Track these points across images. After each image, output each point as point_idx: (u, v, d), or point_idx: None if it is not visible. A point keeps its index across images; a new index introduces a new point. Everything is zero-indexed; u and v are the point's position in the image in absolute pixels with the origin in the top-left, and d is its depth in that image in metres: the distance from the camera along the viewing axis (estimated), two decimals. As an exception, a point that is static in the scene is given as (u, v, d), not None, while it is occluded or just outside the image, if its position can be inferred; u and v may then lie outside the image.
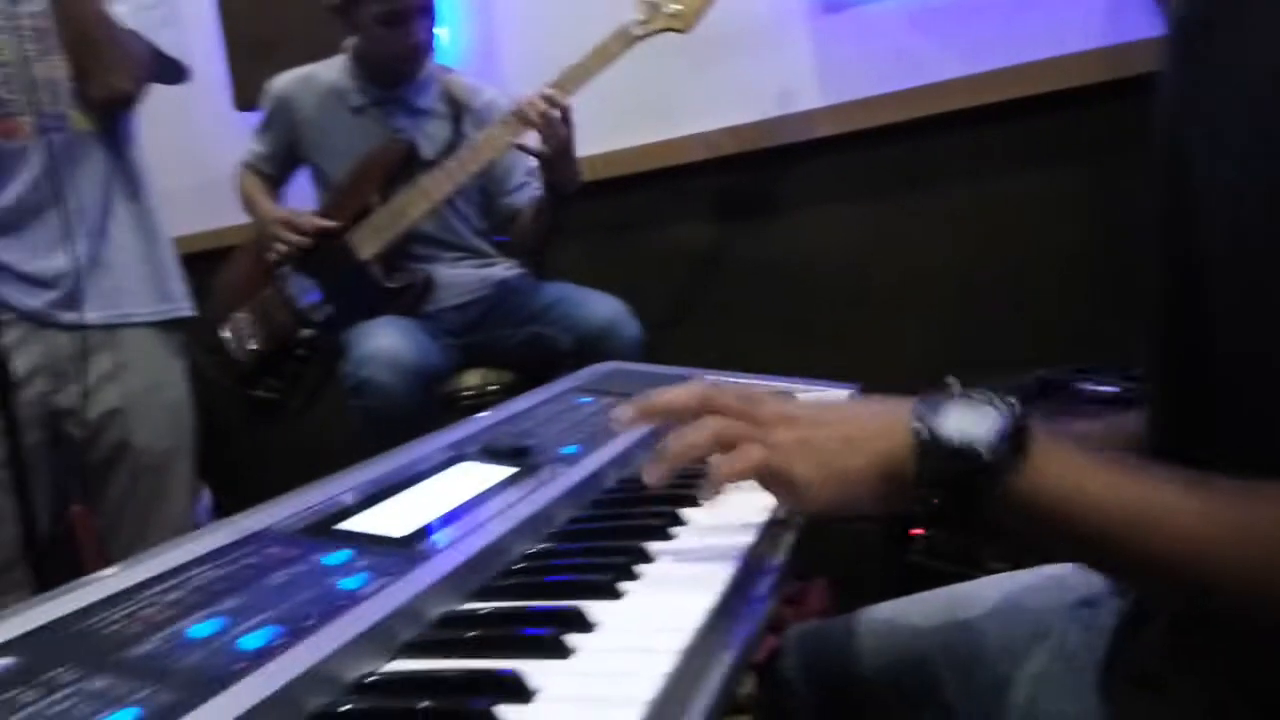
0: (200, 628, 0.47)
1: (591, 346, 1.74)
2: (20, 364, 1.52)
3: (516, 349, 1.89)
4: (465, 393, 1.92)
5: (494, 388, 1.93)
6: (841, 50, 2.08)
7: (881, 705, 0.83)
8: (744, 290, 2.22)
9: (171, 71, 1.71)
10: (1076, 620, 0.76)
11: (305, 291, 1.92)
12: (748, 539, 0.64)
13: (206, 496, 2.30)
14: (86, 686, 0.41)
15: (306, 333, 1.90)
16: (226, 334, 1.95)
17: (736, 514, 0.69)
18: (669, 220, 2.30)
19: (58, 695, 0.40)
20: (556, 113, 1.71)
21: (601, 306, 1.80)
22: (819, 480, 0.58)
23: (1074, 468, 0.54)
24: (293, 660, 0.45)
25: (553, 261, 2.16)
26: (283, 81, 2.01)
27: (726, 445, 0.61)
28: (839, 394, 1.09)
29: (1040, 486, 0.54)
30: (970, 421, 0.54)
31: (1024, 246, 1.97)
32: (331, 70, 1.98)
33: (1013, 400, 0.55)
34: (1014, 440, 0.54)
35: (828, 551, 1.68)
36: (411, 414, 1.66)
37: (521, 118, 1.73)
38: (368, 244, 1.86)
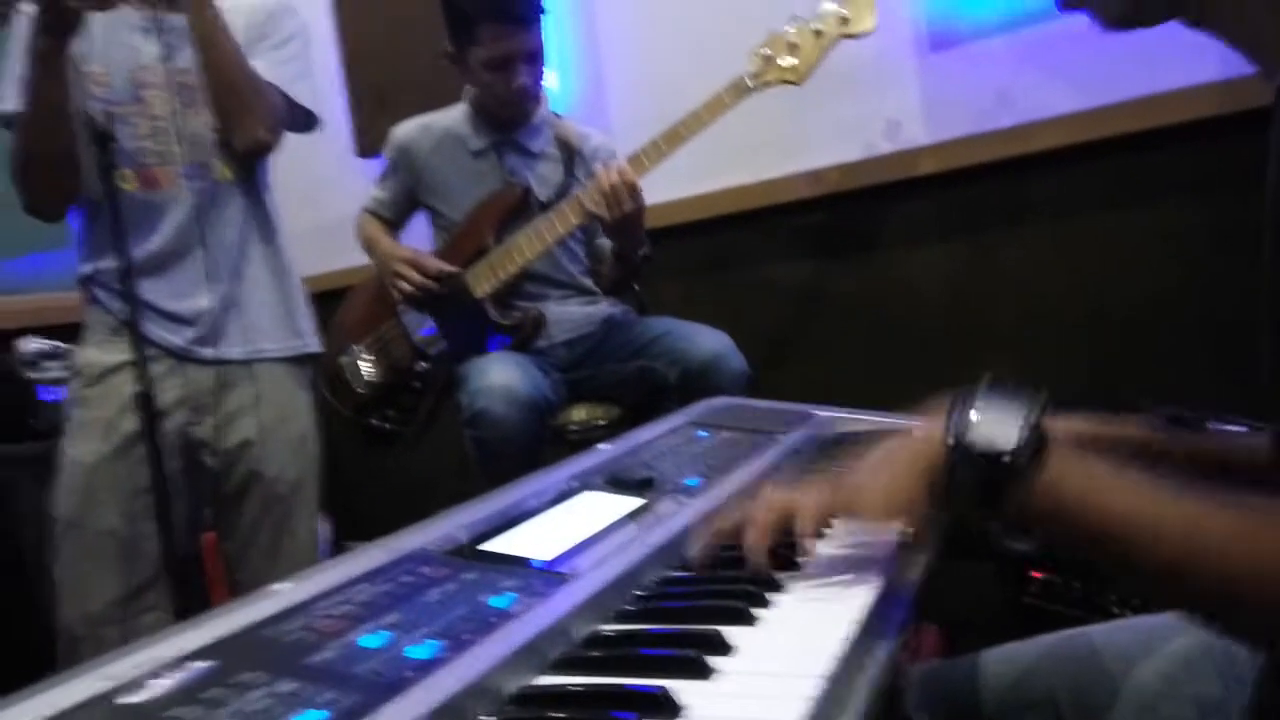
0: (369, 639, 0.51)
1: (697, 380, 1.75)
2: (163, 397, 1.62)
3: (622, 383, 1.92)
4: (572, 426, 1.96)
5: (601, 422, 1.96)
6: (948, 87, 2.07)
7: None
8: (846, 326, 2.22)
9: (304, 121, 1.81)
10: (1214, 667, 0.74)
11: (421, 326, 2.00)
12: (879, 568, 0.65)
13: (327, 527, 2.40)
14: (276, 689, 0.45)
15: (422, 366, 1.97)
16: (346, 367, 2.04)
17: (863, 547, 0.70)
18: (770, 258, 2.31)
19: (253, 696, 0.44)
20: (624, 189, 1.76)
21: (708, 340, 1.82)
22: (872, 490, 0.65)
23: (1089, 472, 0.59)
24: (457, 672, 0.48)
25: (655, 299, 2.20)
26: (404, 129, 2.10)
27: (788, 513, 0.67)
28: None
29: (1056, 487, 0.58)
30: (994, 427, 0.60)
31: (1130, 284, 1.92)
32: (450, 117, 2.07)
33: (1035, 405, 0.60)
34: (1033, 444, 0.59)
35: (941, 596, 1.64)
36: (524, 445, 1.70)
37: (598, 186, 1.79)
38: (483, 282, 1.93)
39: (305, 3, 2.64)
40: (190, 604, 1.73)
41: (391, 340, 2.01)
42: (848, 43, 1.78)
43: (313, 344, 1.83)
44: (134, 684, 0.45)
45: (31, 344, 2.49)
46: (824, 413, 1.19)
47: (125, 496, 1.61)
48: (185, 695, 0.44)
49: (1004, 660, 0.87)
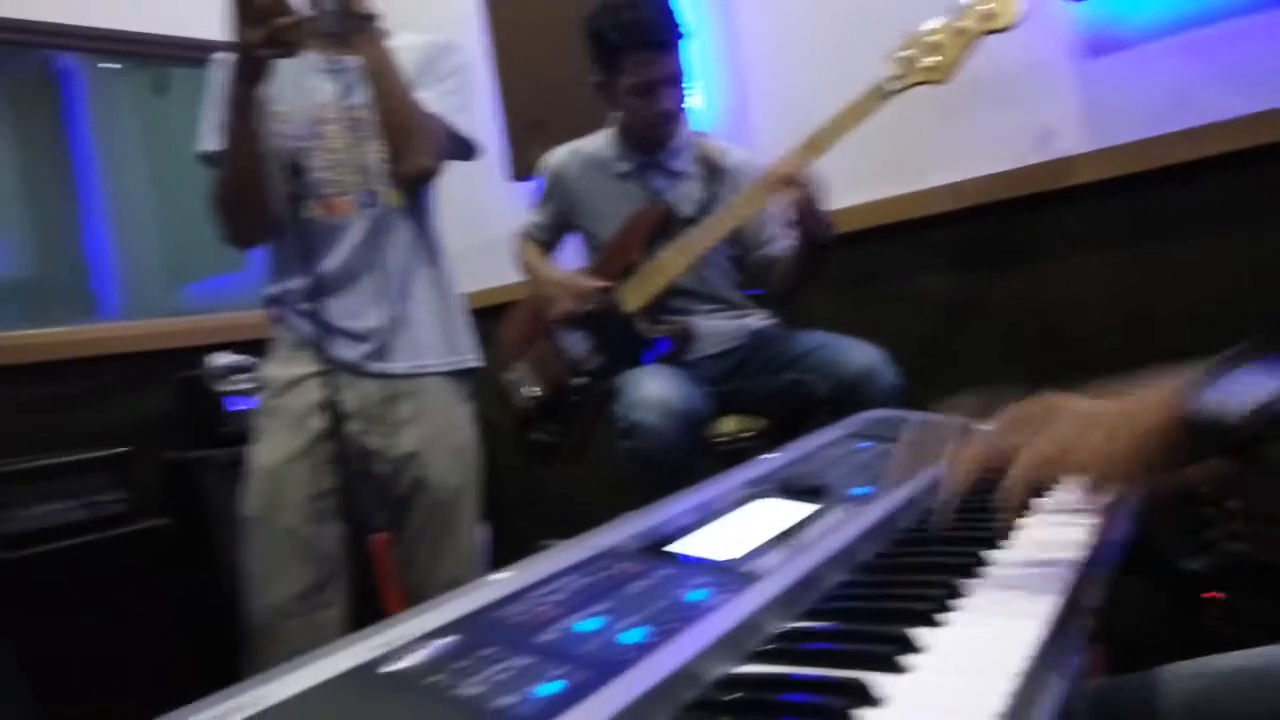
0: (585, 624, 0.56)
1: (849, 393, 1.76)
2: (339, 407, 1.75)
3: (772, 396, 1.94)
4: (721, 438, 2.00)
5: (749, 434, 1.99)
6: (1110, 92, 2.02)
7: None
8: (1001, 339, 2.17)
9: (465, 150, 1.92)
10: None
11: (576, 343, 2.08)
12: (1064, 574, 0.66)
13: (484, 532, 2.51)
14: (514, 663, 0.50)
15: (579, 381, 2.05)
16: (508, 382, 2.14)
17: (1044, 552, 0.71)
18: (920, 270, 2.30)
19: (496, 668, 0.50)
20: (803, 176, 1.77)
21: (860, 354, 1.82)
22: (1088, 451, 0.65)
23: None
24: (668, 656, 0.53)
25: (803, 312, 2.21)
26: (556, 156, 2.20)
27: (1000, 458, 0.68)
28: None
29: None
30: (1235, 392, 0.60)
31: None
32: (597, 142, 2.16)
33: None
34: (1271, 412, 0.59)
35: (1109, 616, 1.59)
36: (678, 456, 1.75)
37: (771, 182, 1.80)
38: (633, 298, 1.99)
39: (463, 37, 2.83)
40: (364, 600, 1.87)
41: (549, 357, 2.10)
42: (997, 52, 1.75)
43: (472, 359, 1.94)
44: (392, 655, 0.51)
45: (220, 359, 2.72)
46: (984, 427, 1.18)
47: (306, 499, 1.75)
48: (437, 666, 0.50)
49: (1183, 677, 0.84)
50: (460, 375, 1.92)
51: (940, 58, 1.74)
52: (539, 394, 2.10)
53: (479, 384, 2.07)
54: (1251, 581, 1.35)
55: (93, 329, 3.03)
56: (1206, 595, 1.43)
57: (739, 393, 1.99)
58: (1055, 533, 0.78)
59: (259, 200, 1.77)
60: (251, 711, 0.44)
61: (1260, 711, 0.77)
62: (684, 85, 2.02)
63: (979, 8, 1.71)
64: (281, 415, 1.79)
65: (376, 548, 2.18)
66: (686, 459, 1.77)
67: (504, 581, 0.62)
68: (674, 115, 2.04)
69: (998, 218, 2.16)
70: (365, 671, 0.50)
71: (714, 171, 2.08)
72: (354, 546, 1.71)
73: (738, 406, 2.01)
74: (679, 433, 1.74)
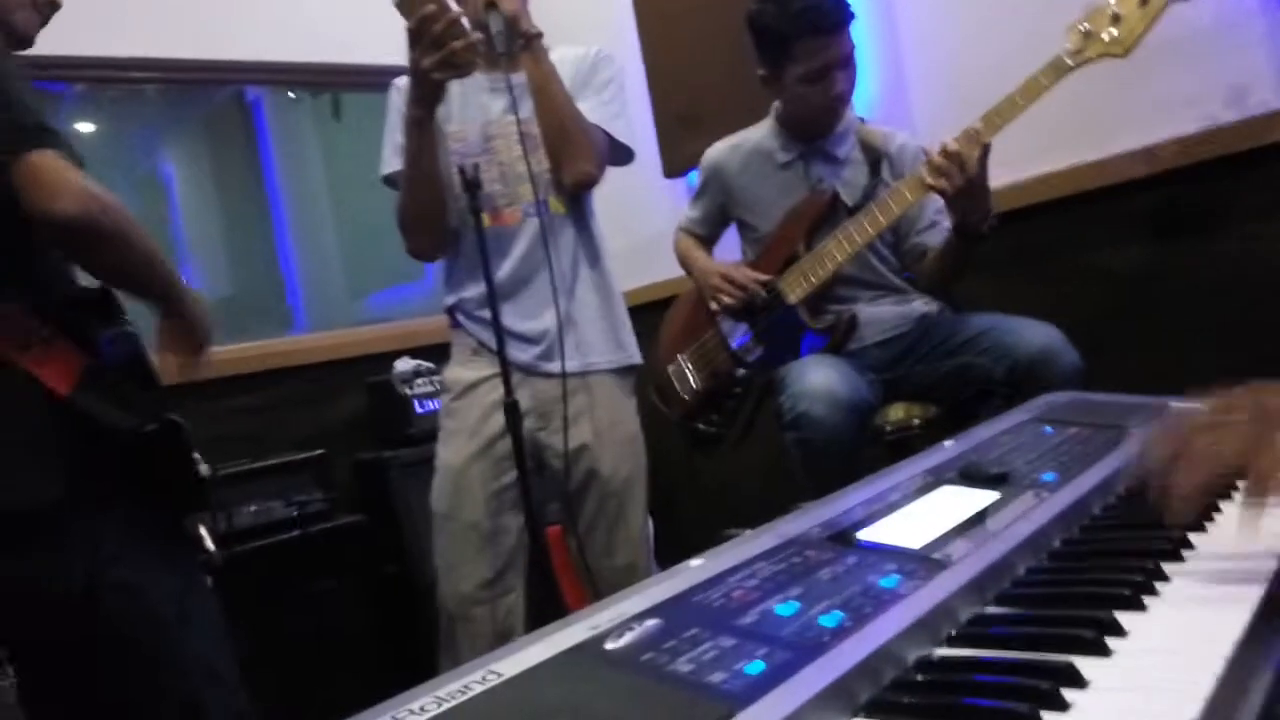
0: (783, 607, 0.59)
1: (1026, 375, 1.70)
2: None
3: (942, 381, 1.90)
4: (888, 426, 1.97)
5: (917, 421, 1.96)
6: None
7: None
8: (1193, 312, 2.04)
9: (622, 155, 1.98)
10: None
11: (738, 335, 2.10)
12: (1268, 565, 0.64)
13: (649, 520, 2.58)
14: (720, 643, 0.54)
15: (741, 372, 2.07)
16: (674, 375, 2.19)
17: (1246, 540, 0.69)
18: (1098, 244, 2.19)
19: (703, 647, 0.53)
20: (969, 159, 1.72)
21: (1036, 334, 1.76)
22: None
23: None
24: (866, 638, 0.55)
25: (968, 296, 2.15)
26: (715, 150, 2.22)
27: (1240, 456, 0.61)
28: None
29: None
30: None
31: None
32: (758, 133, 2.17)
33: None
34: None
35: None
36: (845, 447, 1.75)
37: (934, 165, 1.76)
38: (795, 289, 2.00)
39: (614, 38, 2.90)
40: (542, 588, 1.97)
41: (712, 349, 2.13)
42: (1181, 11, 1.65)
43: (635, 356, 2.01)
44: (611, 633, 0.55)
45: (405, 364, 2.90)
46: (1180, 404, 1.13)
47: (488, 493, 1.85)
48: (650, 644, 0.54)
49: None
50: (625, 371, 1.99)
51: (1120, 31, 1.66)
52: (703, 386, 2.14)
53: (646, 376, 2.13)
54: None
55: (286, 342, 3.30)
56: None
57: (906, 380, 1.96)
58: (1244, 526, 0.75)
59: (439, 215, 1.88)
60: (493, 683, 0.49)
61: None
62: (855, 67, 2.00)
63: None
64: (462, 416, 1.90)
65: (552, 539, 2.29)
66: (853, 449, 1.77)
67: (700, 568, 0.66)
68: (847, 99, 2.02)
69: (1189, 182, 2.02)
70: (590, 647, 0.54)
71: (877, 157, 2.05)
72: (531, 537, 1.80)
73: (906, 394, 1.98)
74: (845, 423, 1.74)
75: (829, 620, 0.57)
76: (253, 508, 2.40)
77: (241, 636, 2.25)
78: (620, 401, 1.97)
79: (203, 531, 1.60)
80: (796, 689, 0.49)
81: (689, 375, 2.16)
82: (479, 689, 0.48)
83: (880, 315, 2.02)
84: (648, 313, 2.37)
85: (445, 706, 0.46)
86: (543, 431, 1.91)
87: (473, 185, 1.77)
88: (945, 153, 1.73)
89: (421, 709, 0.46)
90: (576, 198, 1.95)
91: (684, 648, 0.53)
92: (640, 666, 0.51)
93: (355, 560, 2.56)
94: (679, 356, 2.19)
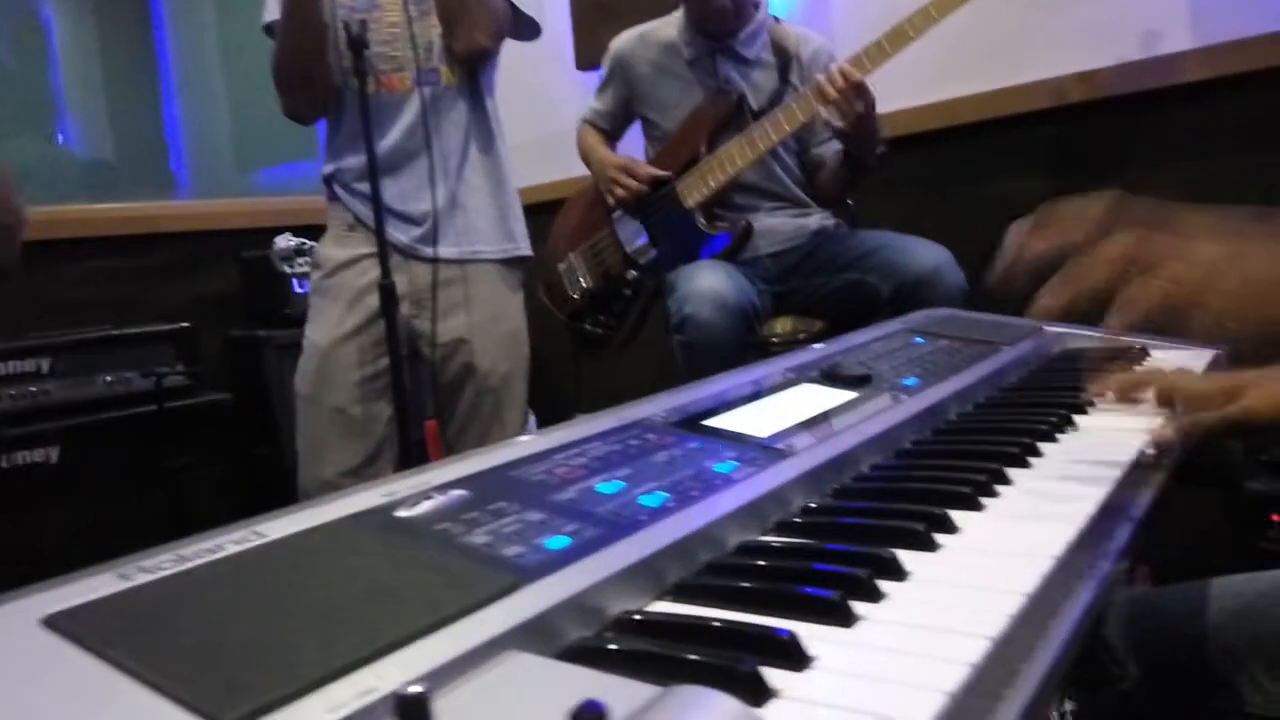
0: (606, 486, 0.55)
1: (912, 294, 1.70)
2: (394, 290, 1.75)
3: (831, 296, 1.89)
4: (775, 339, 1.96)
5: (803, 335, 1.95)
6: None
7: (1224, 683, 0.77)
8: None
9: (526, 29, 1.86)
10: None
11: (633, 236, 2.04)
12: (1113, 473, 0.62)
13: (531, 418, 2.54)
14: (525, 517, 0.49)
15: (633, 274, 2.02)
16: (564, 273, 2.12)
17: (1100, 452, 0.67)
18: (1005, 171, 2.18)
19: (505, 520, 0.49)
20: (850, 90, 1.69)
21: (926, 254, 1.75)
22: (1235, 313, 0.54)
23: None
24: (687, 519, 0.51)
25: (872, 216, 2.13)
26: (622, 40, 2.12)
27: (1115, 279, 0.57)
28: (1199, 357, 1.00)
29: None
30: None
31: None
32: (668, 27, 2.07)
33: None
34: None
35: (1163, 536, 1.54)
36: (729, 351, 1.72)
37: (820, 94, 1.72)
38: (693, 192, 1.94)
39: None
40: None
41: (605, 248, 2.07)
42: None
43: (524, 248, 1.92)
44: (406, 501, 0.50)
45: (286, 241, 2.75)
46: (1053, 328, 1.13)
47: (356, 378, 1.76)
48: (448, 514, 0.49)
49: (1227, 592, 0.80)
50: (512, 263, 1.90)
51: None
52: (592, 286, 2.08)
53: (536, 273, 2.05)
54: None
55: (158, 206, 3.08)
56: (1274, 518, 1.37)
57: (797, 293, 1.94)
58: (1113, 432, 0.74)
59: (317, 73, 1.74)
60: (252, 544, 0.43)
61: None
62: None
63: None
64: (333, 295, 1.80)
65: (429, 433, 2.22)
66: (737, 355, 1.74)
67: (528, 443, 0.61)
68: (736, 7, 1.94)
69: (1097, 117, 2.02)
70: (379, 514, 0.49)
71: (788, 61, 1.99)
72: (403, 429, 1.73)
73: (796, 307, 1.96)
74: (730, 328, 1.71)
75: (651, 500, 0.53)
76: (108, 378, 2.25)
77: (91, 507, 2.15)
78: (504, 295, 1.88)
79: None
80: (596, 565, 0.44)
81: (579, 274, 2.10)
82: (233, 549, 0.42)
83: (776, 226, 1.98)
84: (556, 210, 2.28)
85: (184, 566, 0.40)
86: (418, 319, 1.83)
87: (357, 43, 1.64)
88: (834, 91, 1.70)
89: (157, 566, 0.40)
90: (472, 71, 1.83)
91: (484, 520, 0.48)
92: (429, 536, 0.46)
93: (220, 439, 2.45)
94: (570, 254, 2.12)
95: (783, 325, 1.96)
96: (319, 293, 1.83)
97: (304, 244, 2.72)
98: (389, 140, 1.77)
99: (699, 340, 1.70)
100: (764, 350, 1.93)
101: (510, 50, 1.87)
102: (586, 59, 2.87)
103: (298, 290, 2.64)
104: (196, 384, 2.41)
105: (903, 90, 1.73)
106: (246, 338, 2.69)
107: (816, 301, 1.92)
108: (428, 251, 1.79)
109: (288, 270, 2.67)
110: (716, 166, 1.91)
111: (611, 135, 2.19)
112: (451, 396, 1.86)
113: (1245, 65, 1.80)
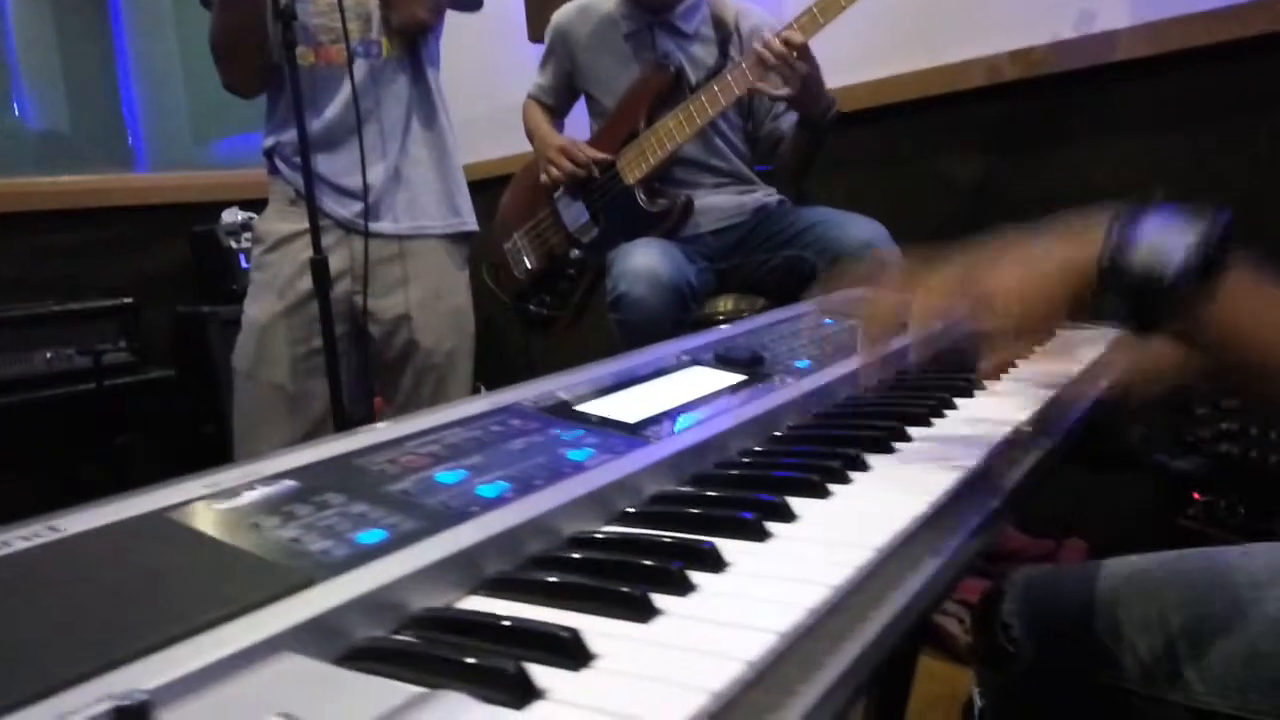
0: (446, 475, 0.54)
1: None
2: (332, 265, 1.71)
3: (771, 273, 1.88)
4: (718, 316, 1.95)
5: (746, 312, 1.94)
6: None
7: (1108, 657, 0.78)
8: (1017, 226, 2.07)
9: (470, 1, 1.83)
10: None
11: (575, 214, 2.02)
12: (973, 459, 0.62)
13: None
14: (349, 510, 0.48)
15: (576, 253, 2.00)
16: (509, 253, 2.10)
17: (972, 428, 0.67)
18: (942, 149, 2.18)
19: (326, 513, 0.48)
20: (794, 54, 1.67)
21: (860, 229, 1.74)
22: (1008, 292, 0.60)
23: (1262, 297, 0.56)
24: (520, 510, 0.50)
25: (814, 192, 2.12)
26: (563, 13, 2.09)
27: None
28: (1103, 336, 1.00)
29: (1230, 317, 0.55)
30: (1162, 242, 0.56)
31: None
32: (607, 0, 2.04)
33: (1211, 227, 0.56)
34: (1202, 265, 0.55)
35: (1090, 511, 1.57)
36: (666, 329, 1.71)
37: (759, 62, 1.70)
38: (634, 169, 1.92)
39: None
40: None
41: (548, 228, 2.05)
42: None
43: (470, 223, 1.89)
44: (229, 491, 0.49)
45: (233, 215, 2.71)
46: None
47: (295, 355, 1.74)
48: (266, 507, 0.48)
49: (1118, 573, 0.81)
50: (457, 239, 1.88)
51: None
52: (536, 266, 2.06)
53: (482, 251, 2.03)
54: (1238, 484, 1.31)
55: (104, 179, 3.02)
56: (1194, 496, 1.39)
57: (738, 270, 1.93)
58: (991, 410, 0.74)
59: (253, 44, 1.71)
60: (44, 540, 0.42)
61: (1183, 608, 0.74)
62: None
63: None
64: (273, 270, 1.77)
65: (375, 410, 2.21)
66: (674, 333, 1.73)
67: (383, 430, 0.60)
68: None
69: (1032, 96, 2.02)
70: (197, 504, 0.48)
71: (728, 34, 1.97)
72: (338, 406, 1.71)
73: (737, 285, 1.95)
74: (665, 305, 1.70)
75: (489, 491, 0.52)
76: (48, 354, 2.22)
77: (30, 486, 2.12)
78: (448, 271, 1.86)
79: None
80: (405, 560, 0.44)
81: (524, 254, 2.08)
82: (21, 545, 0.41)
83: (717, 203, 1.97)
84: (505, 186, 2.25)
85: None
86: (359, 295, 1.80)
87: (285, 14, 1.60)
88: (774, 58, 1.68)
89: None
90: (413, 43, 1.80)
91: (302, 513, 0.47)
92: (238, 530, 0.45)
93: (163, 417, 2.43)
94: (515, 234, 2.10)
95: (725, 303, 1.95)
96: (259, 268, 1.81)
97: (251, 218, 2.69)
98: (329, 113, 1.74)
99: (633, 319, 1.69)
100: (708, 328, 1.92)
101: (462, 22, 1.84)
102: (539, 31, 2.81)
103: (244, 265, 2.61)
104: (139, 361, 2.38)
105: (841, 68, 1.71)
106: (192, 313, 2.66)
107: (758, 279, 1.92)
108: (370, 226, 1.76)
109: (234, 245, 2.64)
110: (655, 142, 1.89)
111: (556, 111, 2.16)
112: (395, 374, 1.84)
113: (1184, 43, 1.80)
